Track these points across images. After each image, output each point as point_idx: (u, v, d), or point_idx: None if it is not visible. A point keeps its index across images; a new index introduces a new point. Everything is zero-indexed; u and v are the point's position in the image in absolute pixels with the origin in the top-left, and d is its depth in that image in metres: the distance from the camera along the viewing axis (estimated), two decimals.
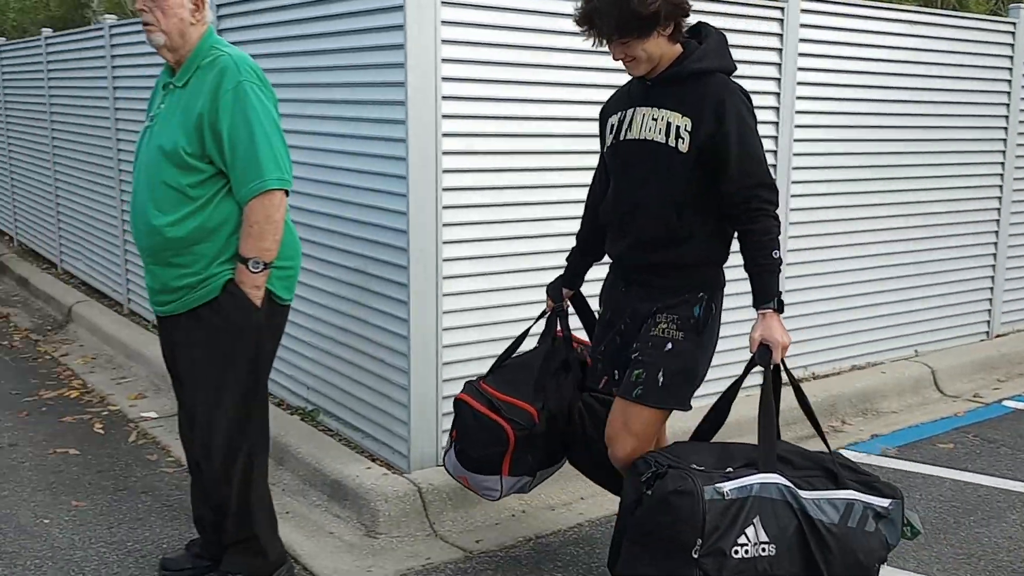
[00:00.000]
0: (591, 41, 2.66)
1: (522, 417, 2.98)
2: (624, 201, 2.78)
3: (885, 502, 2.59)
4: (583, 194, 3.16)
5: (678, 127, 2.62)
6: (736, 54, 4.29)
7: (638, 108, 2.73)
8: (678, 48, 2.66)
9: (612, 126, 2.81)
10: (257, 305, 2.80)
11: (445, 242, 3.63)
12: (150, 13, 2.73)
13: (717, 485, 2.44)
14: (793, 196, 4.69)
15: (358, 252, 3.89)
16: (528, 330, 3.26)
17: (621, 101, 2.83)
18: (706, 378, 2.80)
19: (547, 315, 3.19)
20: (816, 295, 4.94)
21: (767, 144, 4.54)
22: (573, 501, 3.78)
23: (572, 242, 3.17)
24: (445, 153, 3.58)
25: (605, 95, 3.00)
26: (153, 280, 2.87)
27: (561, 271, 3.19)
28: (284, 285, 2.92)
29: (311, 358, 4.34)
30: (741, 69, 4.36)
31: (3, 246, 9.23)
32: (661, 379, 2.66)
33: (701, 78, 2.63)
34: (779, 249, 2.59)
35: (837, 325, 5.06)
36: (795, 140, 4.63)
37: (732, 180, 2.58)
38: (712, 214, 2.69)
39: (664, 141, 2.64)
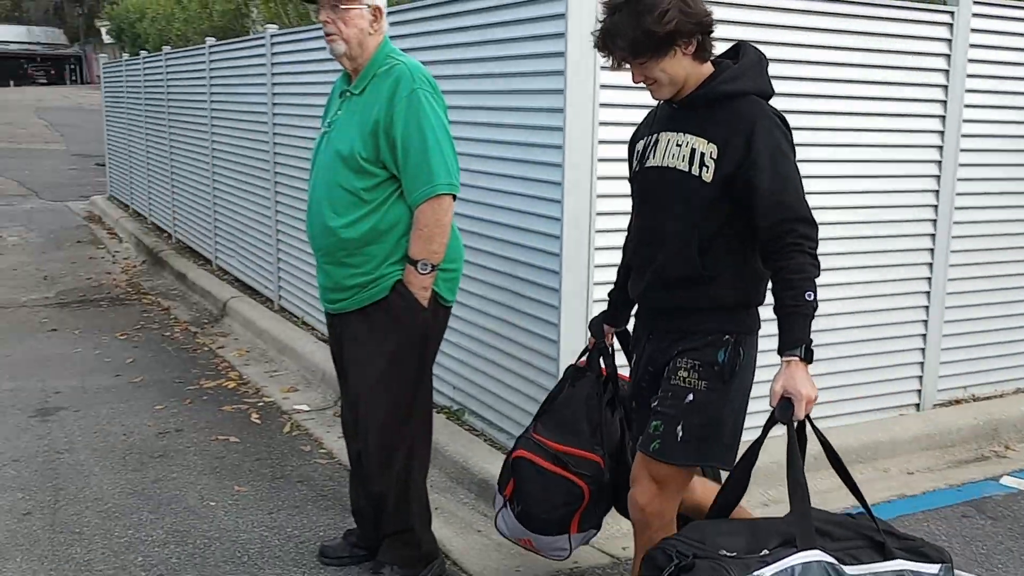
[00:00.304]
0: (610, 64, 2.44)
1: (591, 469, 2.79)
2: (645, 235, 2.55)
3: (935, 568, 2.31)
4: None
5: (703, 154, 2.38)
6: (899, 60, 4.24)
7: (662, 133, 2.50)
8: (708, 68, 2.44)
9: (637, 152, 2.60)
10: (424, 305, 2.90)
11: (598, 248, 3.64)
12: (333, 24, 2.86)
13: (755, 573, 2.12)
14: (958, 209, 4.49)
15: (510, 256, 3.96)
16: (572, 370, 3.05)
17: (647, 125, 2.61)
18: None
19: (589, 352, 2.96)
20: (979, 312, 4.71)
21: (930, 155, 4.37)
22: None
23: None
24: (601, 160, 3.59)
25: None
26: (326, 279, 3.00)
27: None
28: (448, 287, 3.00)
29: (458, 358, 4.43)
30: (903, 76, 4.27)
31: (162, 242, 9.78)
32: (680, 433, 2.42)
33: (731, 101, 2.39)
34: (814, 291, 2.28)
35: (1001, 345, 4.81)
36: (961, 150, 4.44)
37: (763, 213, 2.31)
38: (742, 251, 2.44)
39: (687, 169, 2.40)
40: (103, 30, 27.75)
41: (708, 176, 2.38)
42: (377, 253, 2.88)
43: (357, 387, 3.03)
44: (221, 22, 9.56)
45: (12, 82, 46.74)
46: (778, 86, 3.84)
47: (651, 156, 2.52)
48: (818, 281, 2.30)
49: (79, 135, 23.09)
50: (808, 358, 2.26)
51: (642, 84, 2.46)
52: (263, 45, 6.63)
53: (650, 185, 2.53)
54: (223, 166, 7.79)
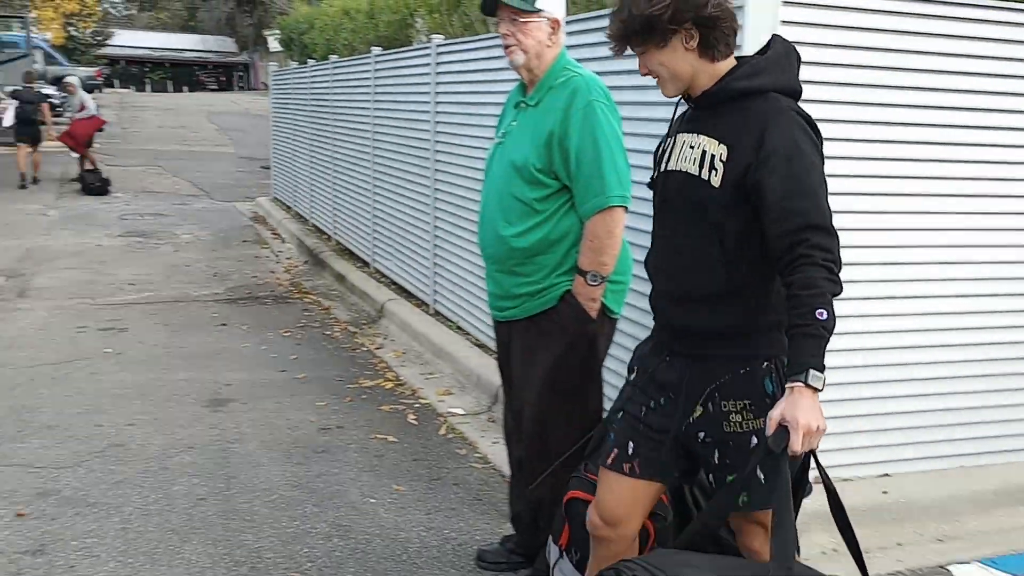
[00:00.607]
0: (612, 48, 2.31)
1: (657, 507, 2.54)
2: (663, 246, 2.36)
3: None
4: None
5: (713, 156, 2.17)
6: None
7: (679, 135, 2.32)
8: (727, 65, 2.23)
9: (658, 158, 2.43)
10: (592, 317, 2.89)
11: None
12: (512, 36, 2.91)
13: None
14: None
15: None
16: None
17: (670, 128, 2.45)
18: None
19: None
20: None
21: None
22: (889, 546, 3.56)
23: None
24: None
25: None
26: (496, 286, 3.04)
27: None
28: (616, 299, 2.99)
29: (612, 369, 4.39)
30: None
31: (322, 244, 10.18)
32: (762, 477, 2.19)
33: (747, 99, 2.17)
34: (827, 309, 1.99)
35: None
36: None
37: (773, 220, 2.08)
38: (770, 263, 2.18)
39: (697, 173, 2.20)
40: (271, 39, 29.22)
41: (717, 180, 2.17)
42: (547, 263, 2.90)
43: (522, 394, 3.05)
44: (387, 32, 9.85)
45: (186, 88, 49.91)
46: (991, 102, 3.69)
47: (668, 160, 2.34)
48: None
49: (246, 139, 24.35)
50: (815, 385, 1.99)
51: (649, 77, 2.32)
52: (428, 55, 6.80)
53: (667, 192, 2.33)
54: (384, 172, 8.04)
